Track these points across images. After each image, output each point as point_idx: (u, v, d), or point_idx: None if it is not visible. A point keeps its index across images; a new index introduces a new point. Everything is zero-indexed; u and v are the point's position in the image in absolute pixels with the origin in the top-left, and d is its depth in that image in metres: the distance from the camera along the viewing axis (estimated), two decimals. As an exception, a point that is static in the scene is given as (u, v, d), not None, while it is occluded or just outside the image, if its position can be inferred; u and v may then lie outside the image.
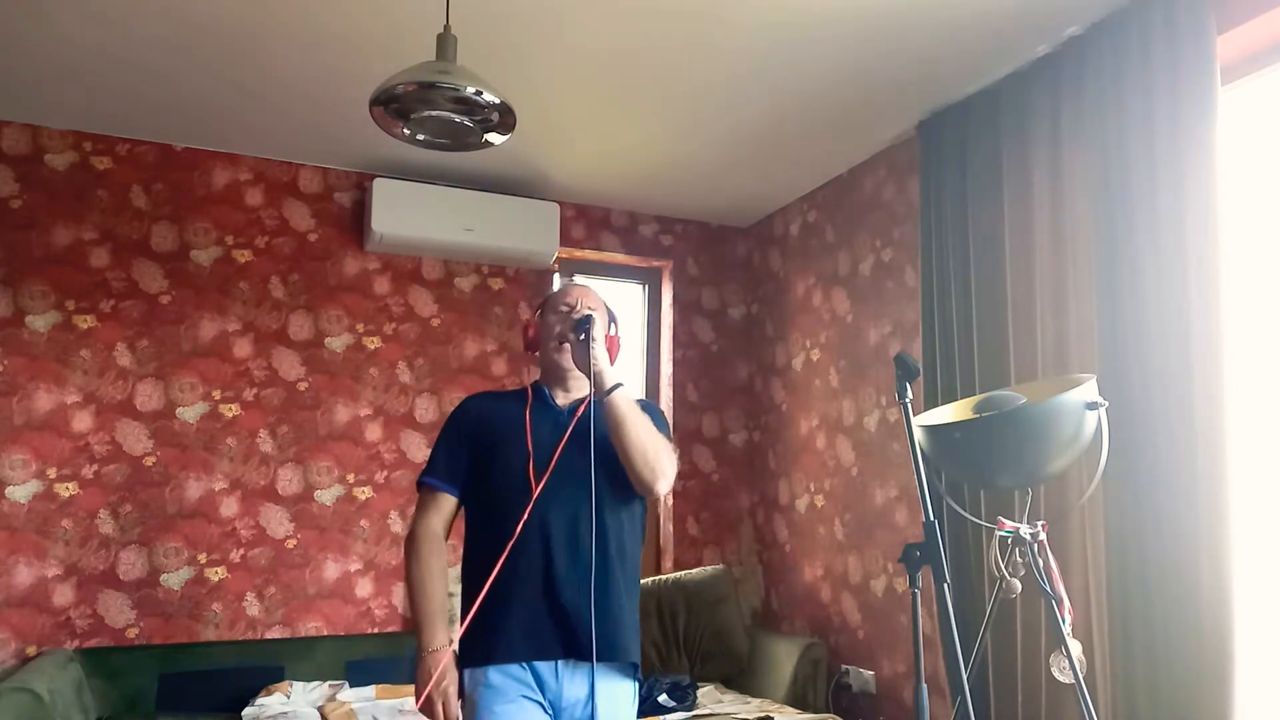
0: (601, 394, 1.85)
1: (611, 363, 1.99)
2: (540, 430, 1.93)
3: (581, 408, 1.96)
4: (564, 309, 2.00)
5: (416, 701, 1.82)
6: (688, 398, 4.44)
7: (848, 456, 3.81)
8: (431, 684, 1.79)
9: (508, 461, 1.91)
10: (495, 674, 1.83)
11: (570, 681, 1.84)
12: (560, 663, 1.84)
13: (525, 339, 2.07)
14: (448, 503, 1.96)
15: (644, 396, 2.09)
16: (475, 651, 1.86)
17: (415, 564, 1.91)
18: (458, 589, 2.00)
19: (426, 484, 1.97)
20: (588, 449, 1.88)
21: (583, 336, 1.89)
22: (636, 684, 1.95)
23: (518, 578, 1.84)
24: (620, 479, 1.88)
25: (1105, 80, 2.63)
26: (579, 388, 2.00)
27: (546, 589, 1.84)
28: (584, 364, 1.90)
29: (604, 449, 1.87)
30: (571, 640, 1.83)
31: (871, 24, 2.76)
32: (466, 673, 1.87)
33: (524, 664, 1.83)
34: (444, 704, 1.80)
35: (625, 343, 2.10)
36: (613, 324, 2.09)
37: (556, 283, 4.34)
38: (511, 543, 1.82)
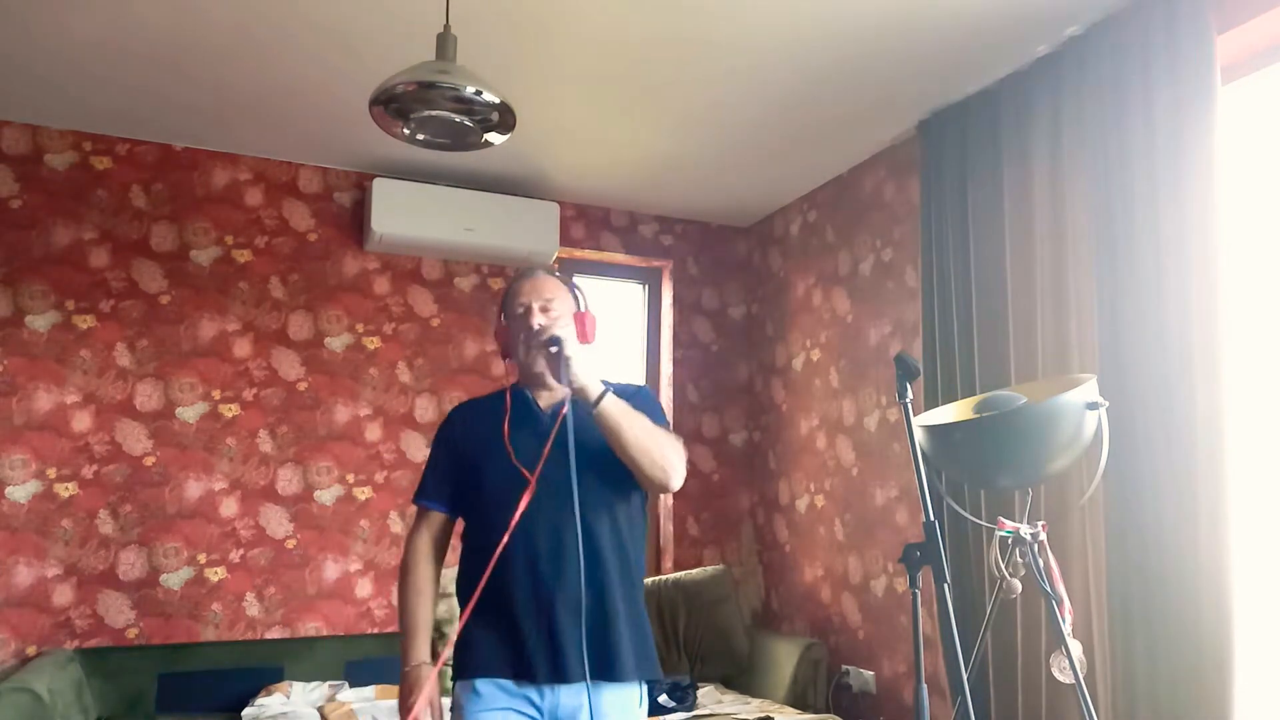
0: (590, 407, 1.78)
1: (590, 340, 1.94)
2: (520, 439, 1.88)
3: (563, 411, 1.88)
4: (520, 310, 1.92)
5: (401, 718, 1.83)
6: (688, 398, 4.44)
7: (848, 456, 3.81)
8: (412, 698, 1.80)
9: (491, 475, 1.87)
10: (483, 684, 1.82)
11: (567, 692, 1.80)
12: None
13: (498, 348, 2.00)
14: (437, 519, 1.96)
15: (633, 383, 2.03)
16: (464, 665, 1.85)
17: (402, 583, 1.94)
18: (444, 600, 1.98)
19: (416, 503, 1.99)
20: (583, 456, 1.81)
21: (554, 349, 1.80)
22: (642, 685, 1.89)
23: (503, 595, 1.81)
24: (612, 480, 1.84)
25: (1105, 80, 2.63)
26: (561, 388, 1.90)
27: (533, 609, 1.80)
28: (562, 378, 1.80)
29: (592, 452, 1.80)
30: (559, 663, 1.78)
31: (872, 24, 2.76)
32: (457, 684, 1.86)
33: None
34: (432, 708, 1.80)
35: (598, 318, 2.01)
36: (579, 299, 1.99)
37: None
38: (495, 559, 1.78)
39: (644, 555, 1.97)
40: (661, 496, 4.41)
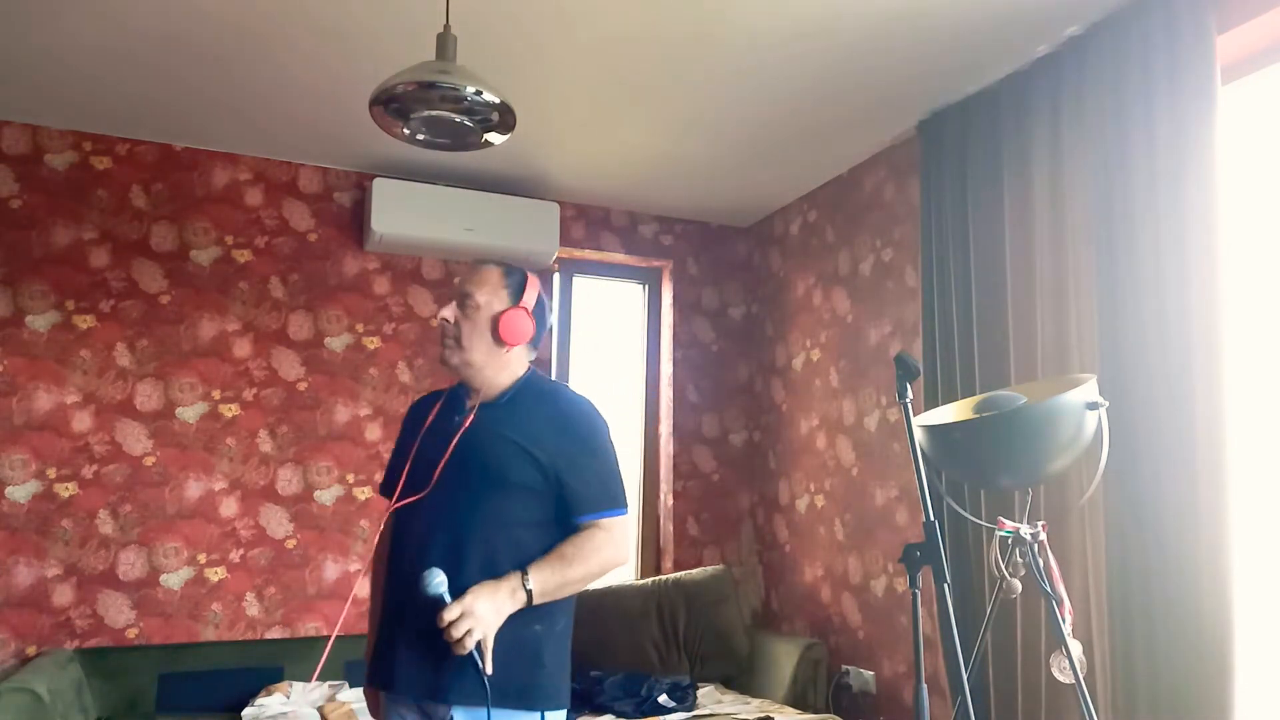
0: (527, 607, 1.66)
1: (514, 340, 1.80)
2: (430, 439, 1.81)
3: (466, 421, 1.78)
4: (443, 321, 1.82)
5: None
6: (688, 398, 4.44)
7: (848, 456, 3.81)
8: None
9: (399, 471, 1.83)
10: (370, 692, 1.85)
11: (435, 709, 1.69)
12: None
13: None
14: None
15: (580, 400, 1.88)
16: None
17: (375, 566, 1.94)
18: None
19: (383, 497, 1.94)
20: (467, 463, 1.73)
21: (443, 614, 1.60)
22: (542, 714, 1.71)
23: (382, 597, 1.80)
24: (504, 498, 1.72)
25: (1105, 80, 2.63)
26: (483, 393, 1.83)
27: (388, 615, 1.76)
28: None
29: (491, 467, 1.71)
30: (393, 673, 1.70)
31: (872, 24, 2.76)
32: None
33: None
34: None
35: (531, 311, 1.85)
36: (516, 295, 1.83)
37: (556, 284, 4.34)
38: (374, 557, 1.77)
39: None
40: (661, 496, 4.41)
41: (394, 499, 1.81)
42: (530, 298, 1.85)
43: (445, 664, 1.64)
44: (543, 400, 1.82)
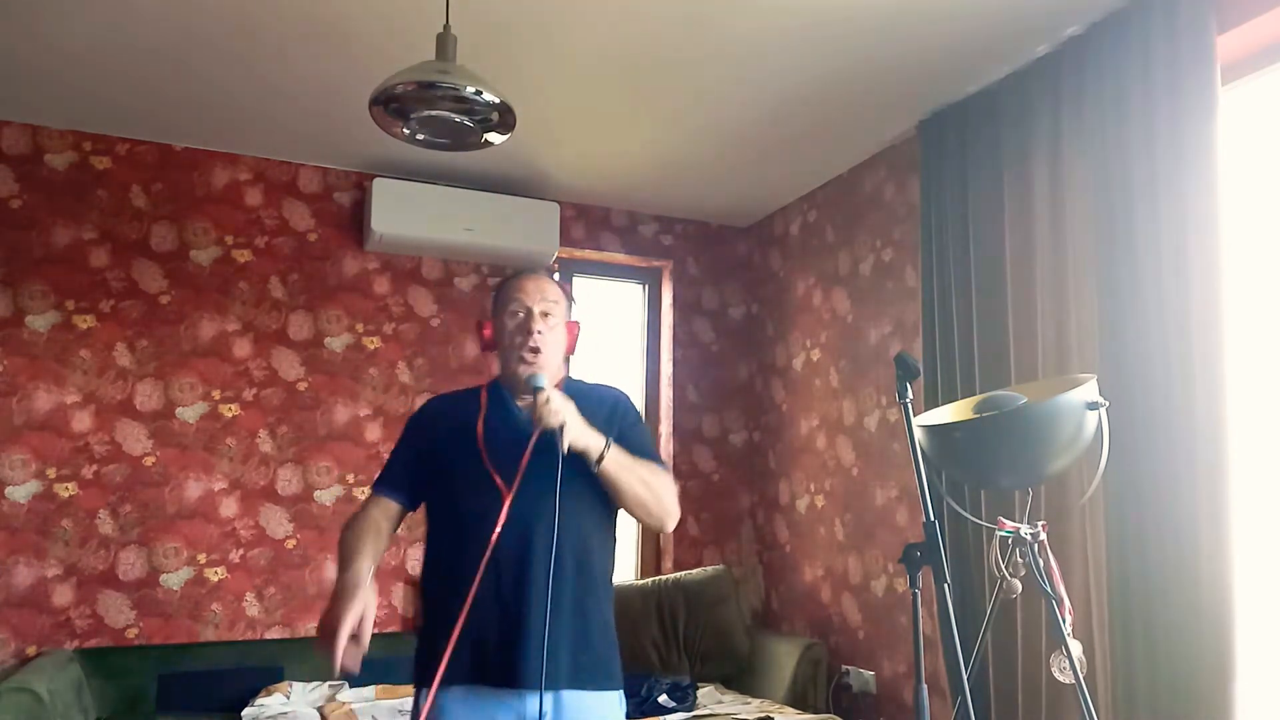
0: (594, 465, 1.74)
1: (571, 352, 1.92)
2: (497, 442, 1.82)
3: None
4: (519, 313, 1.87)
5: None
6: (688, 398, 4.44)
7: (848, 456, 3.81)
8: (340, 605, 1.64)
9: (463, 476, 1.82)
10: (456, 690, 1.75)
11: (533, 699, 1.71)
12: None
13: (480, 340, 1.94)
14: (391, 507, 1.90)
15: (609, 385, 2.00)
16: (429, 672, 1.76)
17: (343, 533, 1.85)
18: (374, 554, 1.82)
19: (375, 490, 1.92)
20: (548, 467, 1.73)
21: (537, 395, 1.73)
22: (618, 693, 1.84)
23: (458, 600, 1.75)
24: (586, 494, 1.78)
25: (1105, 80, 2.63)
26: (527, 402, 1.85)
27: (497, 614, 1.75)
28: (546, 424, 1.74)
29: (568, 466, 1.73)
30: (519, 669, 1.71)
31: (872, 24, 2.76)
32: (421, 692, 1.79)
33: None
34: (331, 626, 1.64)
35: (585, 329, 1.99)
36: (572, 307, 1.97)
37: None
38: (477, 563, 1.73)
39: (611, 568, 1.92)
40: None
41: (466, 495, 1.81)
42: (577, 306, 2.02)
43: (568, 652, 1.74)
44: (586, 395, 1.89)
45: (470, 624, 1.73)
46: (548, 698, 1.71)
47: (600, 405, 1.89)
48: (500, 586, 1.75)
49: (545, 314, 1.88)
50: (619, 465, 1.77)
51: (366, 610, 1.63)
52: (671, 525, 1.84)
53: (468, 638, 1.73)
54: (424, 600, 1.89)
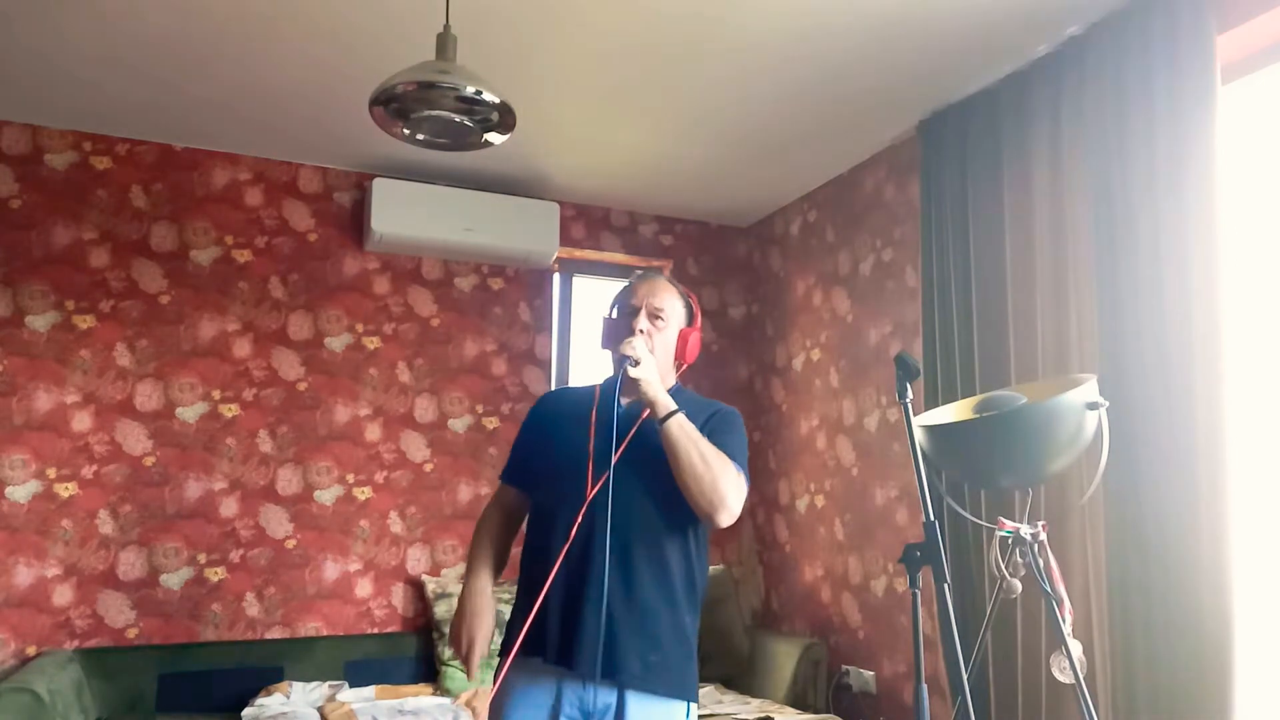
0: (658, 423, 1.78)
1: (688, 359, 1.96)
2: (599, 434, 1.88)
3: (643, 414, 1.87)
4: (631, 309, 1.94)
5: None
6: (688, 398, 4.43)
7: (848, 456, 3.81)
8: (462, 623, 1.85)
9: (561, 461, 1.89)
10: (522, 660, 1.81)
11: (598, 693, 1.77)
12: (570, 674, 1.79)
13: (603, 333, 1.99)
14: (512, 495, 2.02)
15: (724, 404, 2.03)
16: (510, 640, 1.86)
17: (475, 532, 2.00)
18: (500, 552, 2.00)
19: (501, 481, 2.06)
20: (637, 460, 1.81)
21: (630, 364, 1.80)
22: (687, 704, 1.84)
23: (544, 579, 1.81)
24: (671, 494, 1.80)
25: (1105, 80, 2.63)
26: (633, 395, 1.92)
27: (562, 595, 1.79)
28: (635, 392, 1.82)
29: (660, 464, 1.79)
30: (573, 653, 1.76)
31: (872, 24, 2.76)
32: (501, 658, 1.87)
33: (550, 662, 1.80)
34: (468, 641, 1.84)
35: (700, 336, 2.03)
36: (690, 314, 2.00)
37: (556, 284, 4.33)
38: (560, 541, 1.80)
39: (699, 581, 1.91)
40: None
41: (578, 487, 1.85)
42: (698, 315, 2.03)
43: (634, 651, 1.76)
44: (692, 400, 1.93)
45: (544, 602, 1.79)
46: (611, 694, 1.76)
47: (702, 408, 1.92)
48: (569, 567, 1.80)
49: (655, 316, 1.92)
50: (683, 431, 1.77)
51: (472, 624, 1.83)
52: (724, 519, 1.79)
53: (541, 614, 1.79)
54: (521, 576, 1.94)
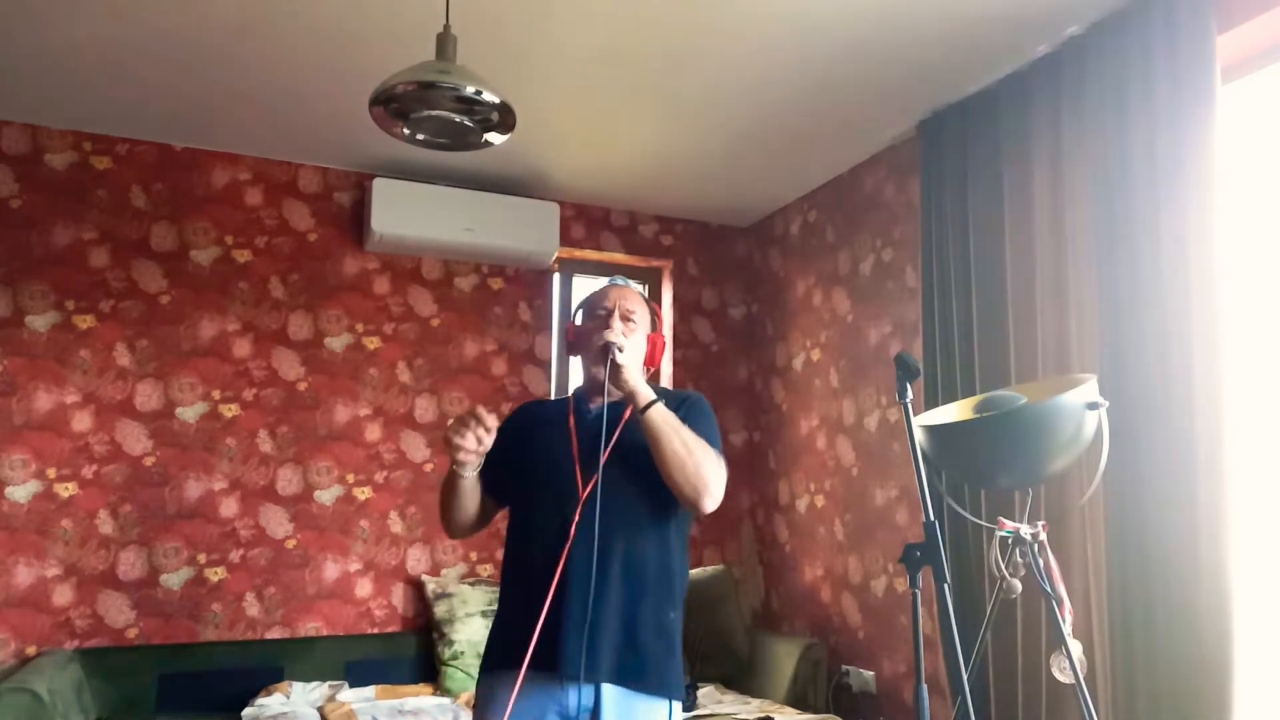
0: (639, 413, 1.79)
1: (656, 364, 1.97)
2: (581, 440, 1.89)
3: (625, 412, 1.89)
4: (601, 314, 1.94)
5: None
6: (688, 398, 4.43)
7: (848, 456, 3.81)
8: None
9: (545, 468, 1.89)
10: (498, 686, 1.79)
11: (580, 693, 1.75)
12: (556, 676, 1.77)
13: (566, 341, 2.03)
14: (486, 500, 1.98)
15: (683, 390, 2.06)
16: (488, 656, 1.86)
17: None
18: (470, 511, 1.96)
19: None
20: (619, 457, 1.82)
21: (610, 359, 1.83)
22: (670, 703, 1.82)
23: (518, 587, 1.82)
24: (649, 489, 1.82)
25: (1105, 80, 2.63)
26: (613, 395, 1.93)
27: (540, 602, 1.78)
28: (616, 383, 1.84)
29: (635, 460, 1.80)
30: (550, 655, 1.74)
31: (872, 24, 2.76)
32: (481, 675, 1.87)
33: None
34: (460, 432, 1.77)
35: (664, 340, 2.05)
36: (654, 321, 2.03)
37: (556, 284, 4.34)
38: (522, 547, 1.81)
39: (677, 576, 1.91)
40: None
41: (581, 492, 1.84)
42: (660, 322, 2.05)
43: (611, 647, 1.75)
44: (665, 395, 1.92)
45: (524, 612, 1.78)
46: (588, 691, 1.75)
47: (672, 398, 1.93)
48: (548, 571, 1.78)
49: (626, 319, 1.93)
50: (664, 419, 1.78)
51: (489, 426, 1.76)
52: (709, 504, 1.80)
53: (522, 625, 1.77)
54: (502, 586, 1.94)
